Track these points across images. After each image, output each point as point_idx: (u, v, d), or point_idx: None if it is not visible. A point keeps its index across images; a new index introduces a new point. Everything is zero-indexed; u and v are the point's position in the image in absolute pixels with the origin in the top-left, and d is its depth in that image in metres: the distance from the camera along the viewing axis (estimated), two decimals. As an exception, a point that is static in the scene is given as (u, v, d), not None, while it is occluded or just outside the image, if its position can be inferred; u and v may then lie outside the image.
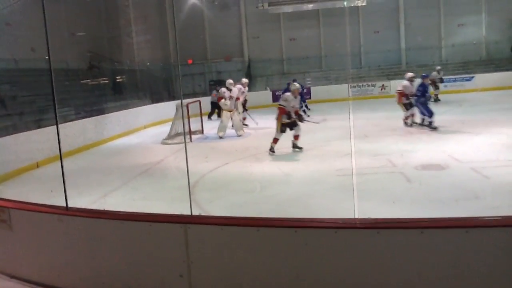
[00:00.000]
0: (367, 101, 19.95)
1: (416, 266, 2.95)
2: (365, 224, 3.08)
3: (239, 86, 13.22)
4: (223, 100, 12.19)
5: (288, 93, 9.51)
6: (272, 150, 9.35)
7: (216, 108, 16.32)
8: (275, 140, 9.33)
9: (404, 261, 2.98)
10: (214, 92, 16.38)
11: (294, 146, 9.49)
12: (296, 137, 9.46)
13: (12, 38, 14.66)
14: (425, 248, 2.92)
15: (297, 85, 9.73)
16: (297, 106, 9.55)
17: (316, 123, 10.20)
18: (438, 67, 18.35)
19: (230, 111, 12.27)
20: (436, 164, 7.48)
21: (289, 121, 9.28)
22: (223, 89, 12.42)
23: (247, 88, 14.48)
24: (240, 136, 12.34)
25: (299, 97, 9.63)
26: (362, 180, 6.51)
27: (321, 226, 3.21)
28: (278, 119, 9.35)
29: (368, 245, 3.04)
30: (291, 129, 9.38)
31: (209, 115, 17.30)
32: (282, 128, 9.30)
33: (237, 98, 12.56)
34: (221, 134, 12.29)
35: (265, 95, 21.49)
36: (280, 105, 9.40)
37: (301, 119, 9.52)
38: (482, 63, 23.38)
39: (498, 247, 2.85)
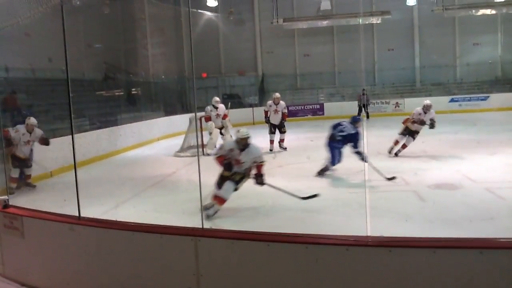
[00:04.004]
0: (381, 118, 19.86)
1: (428, 287, 2.91)
2: (377, 242, 3.05)
3: (269, 102, 11.99)
4: (209, 123, 12.07)
5: (269, 101, 12.04)
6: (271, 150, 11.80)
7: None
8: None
9: (416, 281, 2.94)
10: None
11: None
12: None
13: (31, 48, 14.89)
14: (437, 268, 2.88)
15: (277, 94, 12.27)
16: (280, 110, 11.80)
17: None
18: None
19: (220, 128, 12.17)
20: (450, 183, 7.39)
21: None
22: (209, 108, 12.21)
23: (282, 104, 11.95)
24: None
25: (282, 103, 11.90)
26: (374, 197, 6.45)
27: (333, 243, 3.18)
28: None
29: (379, 264, 3.01)
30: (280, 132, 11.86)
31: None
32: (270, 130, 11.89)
33: (224, 116, 12.29)
34: (209, 151, 11.89)
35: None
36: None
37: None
38: (497, 82, 23.18)
39: (513, 270, 2.80)
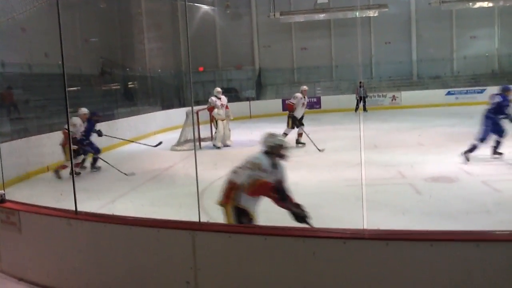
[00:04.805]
0: (378, 111, 19.88)
1: (425, 279, 2.91)
2: (374, 235, 3.06)
3: (298, 94, 11.48)
4: (216, 110, 11.95)
5: (298, 94, 11.40)
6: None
7: None
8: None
9: (413, 274, 2.94)
10: None
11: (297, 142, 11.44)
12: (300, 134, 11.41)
13: (27, 43, 14.83)
14: (434, 261, 2.89)
15: (305, 86, 11.85)
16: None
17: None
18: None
19: (222, 120, 12.10)
20: (447, 176, 7.42)
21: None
22: (213, 98, 12.08)
23: (306, 98, 11.88)
24: (228, 146, 12.18)
25: (307, 97, 11.73)
26: (371, 191, 6.43)
27: (330, 236, 3.19)
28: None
29: (376, 257, 3.01)
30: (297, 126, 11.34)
31: None
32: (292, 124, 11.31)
33: (226, 107, 12.27)
34: (219, 144, 12.02)
35: (275, 104, 21.54)
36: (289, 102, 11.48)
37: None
38: (494, 75, 23.22)
39: (510, 262, 2.81)
